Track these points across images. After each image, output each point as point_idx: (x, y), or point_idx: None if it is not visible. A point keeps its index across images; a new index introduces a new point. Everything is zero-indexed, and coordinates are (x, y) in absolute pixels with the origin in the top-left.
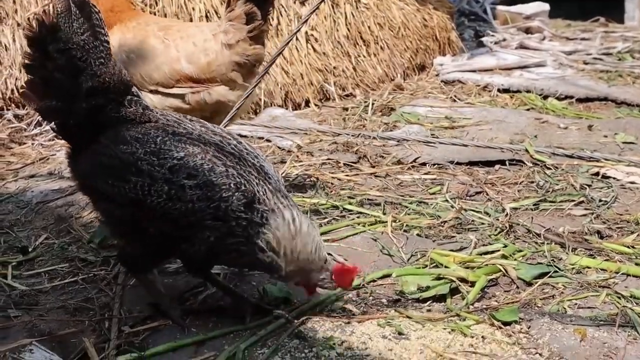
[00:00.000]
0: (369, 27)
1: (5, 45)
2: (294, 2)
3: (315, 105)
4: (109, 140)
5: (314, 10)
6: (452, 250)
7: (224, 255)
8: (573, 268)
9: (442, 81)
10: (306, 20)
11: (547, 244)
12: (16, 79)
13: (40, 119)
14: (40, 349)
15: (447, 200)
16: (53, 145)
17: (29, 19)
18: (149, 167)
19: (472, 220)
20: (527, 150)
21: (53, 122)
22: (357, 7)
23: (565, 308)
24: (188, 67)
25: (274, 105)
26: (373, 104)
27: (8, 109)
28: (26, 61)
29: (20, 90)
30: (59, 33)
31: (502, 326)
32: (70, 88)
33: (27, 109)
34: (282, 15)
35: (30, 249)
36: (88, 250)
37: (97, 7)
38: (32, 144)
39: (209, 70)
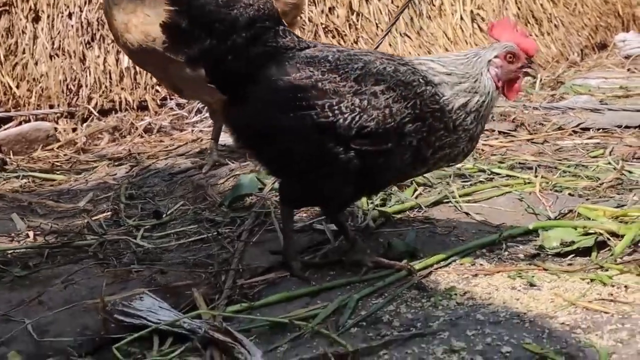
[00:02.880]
0: (541, 5)
1: None
2: None
3: None
4: (277, 73)
5: None
6: None
7: (432, 158)
8: None
9: (624, 57)
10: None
11: None
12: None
13: (200, 106)
14: (150, 297)
15: (609, 163)
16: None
17: None
18: (333, 85)
19: (637, 182)
20: None
21: (206, 68)
22: None
23: None
24: None
25: None
26: (542, 79)
27: (171, 99)
28: (170, 8)
29: (164, 46)
30: None
31: None
32: (224, 22)
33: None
34: None
35: (165, 215)
36: (219, 213)
37: None
38: (192, 130)
39: None
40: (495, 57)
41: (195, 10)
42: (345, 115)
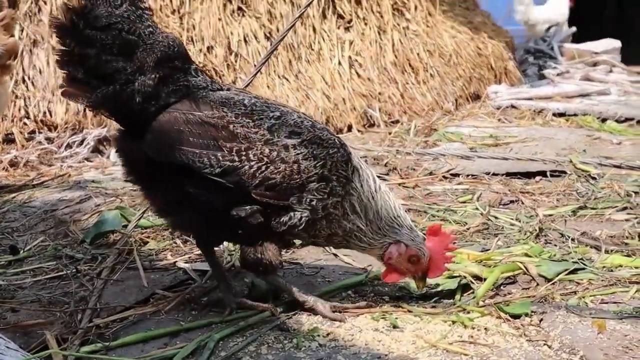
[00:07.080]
0: (417, 54)
1: (40, 69)
2: (337, 28)
3: (359, 130)
4: (189, 108)
5: (293, 24)
6: None
7: (320, 223)
8: (604, 267)
9: (495, 108)
10: (288, 30)
11: (581, 246)
12: (49, 101)
13: (70, 141)
14: None
15: (477, 208)
16: (82, 167)
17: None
18: (245, 130)
19: (502, 227)
20: (571, 161)
21: (110, 111)
22: (405, 34)
23: (586, 303)
24: None
25: None
26: (416, 126)
27: (40, 132)
28: (62, 57)
29: (61, 90)
30: (94, 11)
31: (510, 319)
32: (127, 66)
33: (58, 132)
34: (324, 40)
35: (22, 250)
36: (80, 250)
37: None
38: (61, 165)
39: None
40: (405, 245)
41: (85, 61)
42: (252, 164)
